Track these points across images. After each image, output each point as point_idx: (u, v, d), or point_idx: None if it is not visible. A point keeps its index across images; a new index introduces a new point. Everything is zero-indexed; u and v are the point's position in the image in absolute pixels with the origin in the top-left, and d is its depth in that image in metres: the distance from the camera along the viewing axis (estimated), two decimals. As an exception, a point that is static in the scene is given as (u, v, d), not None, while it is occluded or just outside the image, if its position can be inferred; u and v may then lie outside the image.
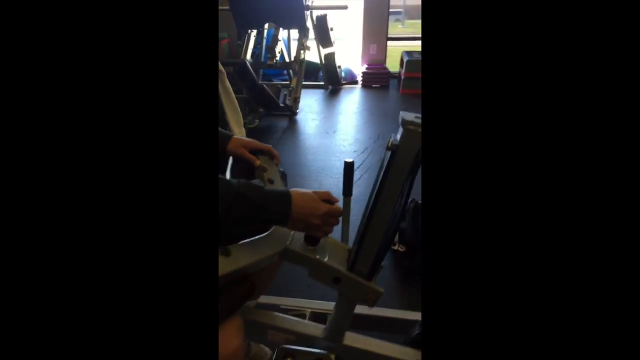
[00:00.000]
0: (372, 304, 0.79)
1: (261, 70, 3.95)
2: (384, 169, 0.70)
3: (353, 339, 0.90)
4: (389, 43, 4.68)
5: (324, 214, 0.71)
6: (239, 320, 0.74)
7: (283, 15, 3.56)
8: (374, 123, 3.52)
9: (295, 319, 0.96)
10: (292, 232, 0.80)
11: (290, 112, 3.66)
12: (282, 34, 3.97)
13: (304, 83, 3.87)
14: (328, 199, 0.74)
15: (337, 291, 0.81)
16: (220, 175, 0.67)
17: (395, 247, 1.64)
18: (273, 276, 1.05)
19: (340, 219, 0.78)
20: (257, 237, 0.77)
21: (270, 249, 0.76)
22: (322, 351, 0.83)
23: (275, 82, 4.15)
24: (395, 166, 0.67)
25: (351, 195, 1.08)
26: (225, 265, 0.70)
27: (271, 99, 3.35)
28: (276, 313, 0.97)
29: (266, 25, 3.87)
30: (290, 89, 3.67)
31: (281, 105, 3.52)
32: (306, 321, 0.95)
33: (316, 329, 0.92)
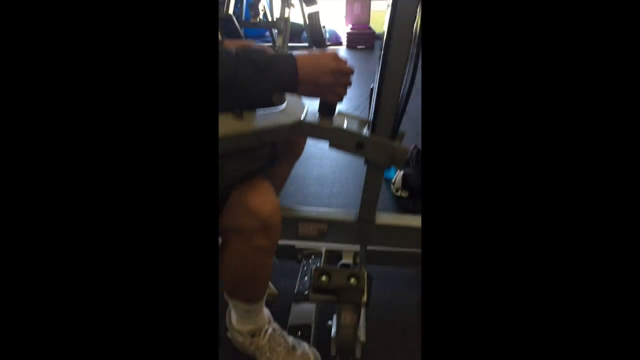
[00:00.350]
0: (399, 164, 0.78)
1: (242, 30, 3.82)
2: (389, 16, 0.66)
3: (385, 218, 0.90)
4: (372, 5, 4.63)
5: (334, 70, 0.68)
6: (268, 182, 0.72)
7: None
8: (363, 84, 3.49)
9: (325, 209, 0.95)
10: (306, 109, 0.78)
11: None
12: (265, -9, 3.84)
13: (288, 45, 3.78)
14: (336, 57, 0.70)
15: (363, 158, 0.79)
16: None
17: (399, 194, 1.68)
18: (291, 167, 1.04)
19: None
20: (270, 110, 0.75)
21: (284, 119, 0.73)
22: (355, 268, 0.83)
23: (259, 43, 4.03)
24: (400, 6, 0.63)
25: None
26: (239, 126, 0.68)
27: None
28: (303, 206, 0.95)
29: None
30: (277, 48, 3.58)
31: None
32: (334, 209, 0.94)
33: (347, 215, 0.92)
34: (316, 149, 1.96)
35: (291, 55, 0.67)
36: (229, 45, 0.91)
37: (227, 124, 0.67)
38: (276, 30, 3.73)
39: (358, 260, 1.03)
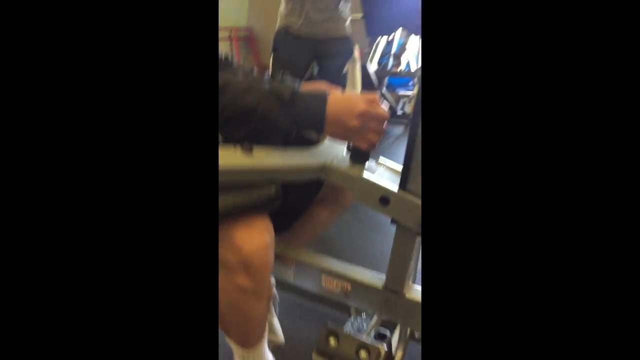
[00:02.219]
0: None
1: (386, 79, 3.92)
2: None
3: (417, 293, 0.73)
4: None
5: (363, 113, 0.62)
6: (266, 219, 0.67)
7: (415, 21, 3.50)
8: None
9: (353, 265, 0.82)
10: (340, 153, 0.72)
11: (408, 119, 3.53)
12: (414, 42, 3.88)
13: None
14: (372, 100, 0.64)
15: (390, 218, 0.67)
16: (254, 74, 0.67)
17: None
18: (334, 213, 0.94)
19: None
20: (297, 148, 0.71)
21: (308, 160, 0.68)
22: (371, 341, 0.70)
23: (400, 92, 4.08)
24: None
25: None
26: (243, 160, 0.65)
27: (388, 106, 3.30)
28: (331, 258, 0.85)
29: (398, 35, 3.85)
30: (412, 96, 3.55)
31: (398, 113, 3.45)
32: (365, 270, 0.81)
33: (376, 278, 0.77)
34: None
35: (323, 93, 0.64)
36: (306, 87, 0.92)
37: (231, 157, 0.65)
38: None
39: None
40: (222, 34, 5.26)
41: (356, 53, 1.94)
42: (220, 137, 0.70)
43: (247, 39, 5.66)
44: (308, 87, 0.92)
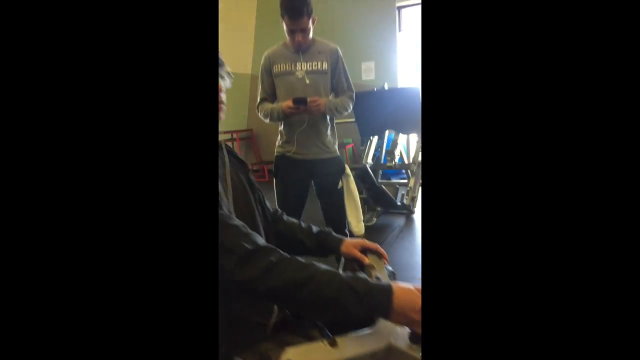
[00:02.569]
0: None
1: (381, 171, 4.24)
2: None
3: None
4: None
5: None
6: None
7: (401, 122, 3.89)
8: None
9: None
10: (397, 329, 0.82)
11: (408, 210, 3.76)
12: (403, 138, 4.26)
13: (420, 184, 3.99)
14: None
15: None
16: (329, 268, 0.79)
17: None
18: None
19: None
20: (363, 330, 0.82)
21: (376, 343, 0.79)
22: None
23: (394, 180, 4.37)
24: None
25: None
26: (332, 356, 0.75)
27: (389, 199, 3.54)
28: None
29: (386, 133, 4.25)
30: (408, 188, 3.82)
31: (399, 204, 3.68)
32: None
33: None
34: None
35: (389, 288, 0.77)
36: (348, 246, 1.09)
37: (322, 353, 0.75)
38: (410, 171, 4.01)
39: None
40: (225, 137, 5.73)
41: (347, 169, 2.16)
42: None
43: (248, 139, 6.13)
44: (350, 245, 1.09)
